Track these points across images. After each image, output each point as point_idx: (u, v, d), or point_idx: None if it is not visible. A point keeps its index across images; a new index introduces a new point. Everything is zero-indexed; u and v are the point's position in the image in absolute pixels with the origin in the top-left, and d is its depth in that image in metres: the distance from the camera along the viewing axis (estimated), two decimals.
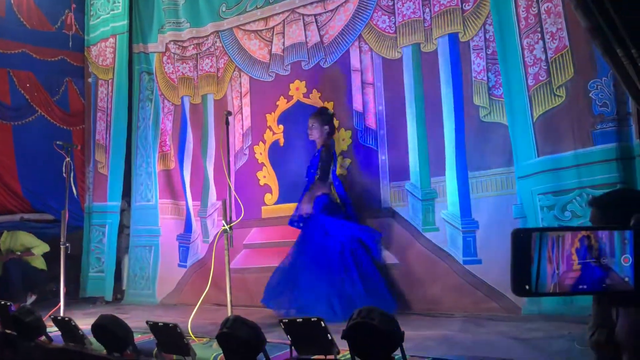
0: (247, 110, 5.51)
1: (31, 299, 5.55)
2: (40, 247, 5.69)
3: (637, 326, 0.77)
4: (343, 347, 2.63)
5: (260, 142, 5.37)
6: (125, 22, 6.22)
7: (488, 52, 4.20)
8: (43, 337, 3.71)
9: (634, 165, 3.34)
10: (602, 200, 1.40)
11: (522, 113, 3.85)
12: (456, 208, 4.29)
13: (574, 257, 0.69)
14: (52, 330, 3.77)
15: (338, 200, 4.44)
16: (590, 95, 3.56)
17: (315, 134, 4.47)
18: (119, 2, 6.28)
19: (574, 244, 0.69)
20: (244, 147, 5.48)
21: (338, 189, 4.45)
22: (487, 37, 4.21)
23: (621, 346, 0.83)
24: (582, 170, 3.54)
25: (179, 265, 5.73)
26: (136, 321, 3.70)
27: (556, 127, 3.69)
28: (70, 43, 6.47)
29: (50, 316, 3.82)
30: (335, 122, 4.74)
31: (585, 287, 0.69)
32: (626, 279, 0.69)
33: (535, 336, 3.17)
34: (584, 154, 3.55)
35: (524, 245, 0.69)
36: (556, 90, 3.71)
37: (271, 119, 5.32)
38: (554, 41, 3.73)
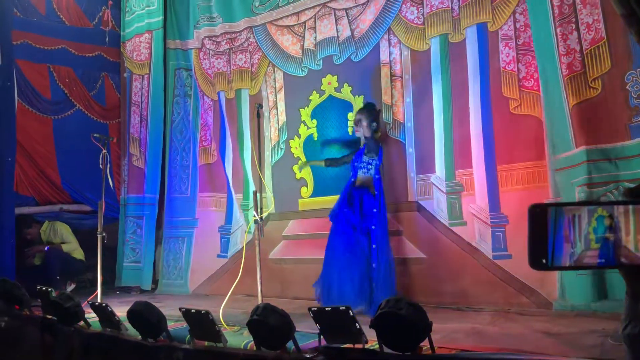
0: (281, 106, 5.58)
1: (70, 287, 5.75)
2: (77, 252, 5.88)
3: None
4: (372, 337, 2.66)
5: (295, 137, 5.43)
6: (161, 18, 6.35)
7: (518, 42, 4.15)
8: (81, 322, 3.84)
9: None
10: (636, 191, 1.40)
11: (559, 103, 3.79)
12: (484, 202, 4.26)
13: (592, 235, 0.71)
14: (90, 316, 3.90)
15: (375, 194, 4.41)
16: (626, 87, 3.49)
17: (363, 130, 4.42)
18: None
19: (590, 222, 0.71)
20: (280, 142, 5.55)
21: (377, 184, 4.39)
22: (518, 26, 4.16)
23: (632, 321, 0.84)
24: (619, 163, 3.48)
25: (219, 256, 5.84)
26: (170, 309, 3.81)
27: (592, 119, 3.63)
28: (107, 39, 6.64)
29: (88, 302, 3.95)
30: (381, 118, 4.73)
31: (602, 261, 0.70)
32: None
33: (566, 331, 3.13)
34: (622, 147, 3.49)
35: (541, 220, 0.71)
36: (591, 83, 3.64)
37: (305, 113, 5.37)
38: (590, 32, 3.66)
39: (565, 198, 3.79)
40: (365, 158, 4.33)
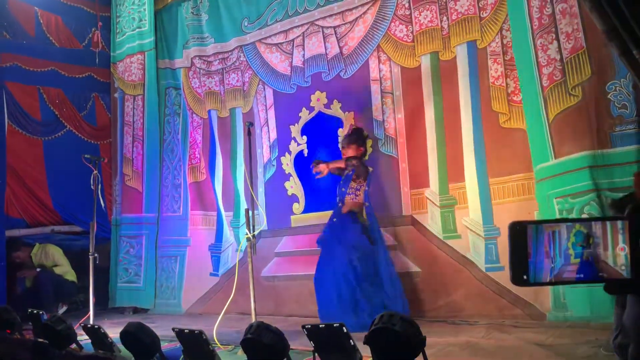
0: (272, 123, 5.61)
1: (62, 309, 5.69)
2: (69, 274, 5.84)
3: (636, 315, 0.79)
4: (366, 353, 2.65)
5: (287, 153, 5.46)
6: (152, 39, 6.38)
7: (506, 58, 4.21)
8: (74, 345, 3.80)
9: None
10: (623, 202, 1.42)
11: (537, 114, 3.85)
12: (478, 215, 4.29)
13: (570, 251, 0.73)
14: (83, 338, 3.87)
15: (366, 221, 4.39)
16: (608, 96, 3.54)
17: (350, 154, 4.45)
18: (144, 20, 6.45)
19: (569, 238, 0.72)
20: (272, 159, 5.56)
21: (369, 211, 4.41)
22: (505, 42, 4.23)
23: (627, 335, 0.85)
24: (599, 172, 3.51)
25: (211, 274, 5.82)
26: (163, 330, 3.78)
27: (572, 127, 3.68)
28: (97, 60, 6.66)
29: (80, 325, 3.92)
30: (368, 143, 4.77)
31: (582, 276, 0.72)
32: (622, 268, 0.72)
33: (560, 342, 3.14)
34: (602, 155, 3.52)
35: (521, 237, 0.73)
36: (571, 90, 3.69)
37: (295, 130, 5.40)
38: (570, 41, 3.72)
39: (543, 209, 3.82)
40: (353, 184, 4.35)
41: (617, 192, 3.34)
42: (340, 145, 4.65)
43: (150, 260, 6.18)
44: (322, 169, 4.52)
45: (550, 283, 0.73)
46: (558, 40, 3.79)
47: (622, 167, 3.41)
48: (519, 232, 0.73)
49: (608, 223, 0.72)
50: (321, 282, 4.26)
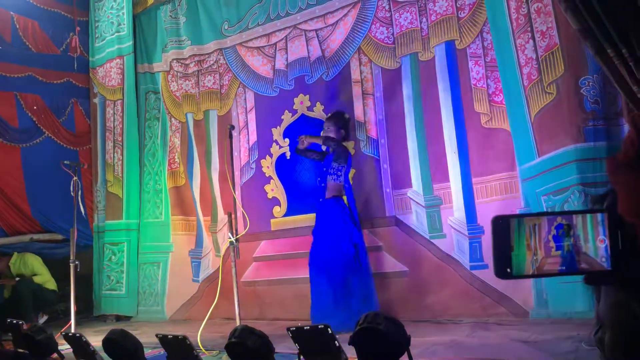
0: (252, 125, 5.58)
1: (43, 319, 5.60)
2: (50, 283, 5.74)
3: (616, 306, 0.80)
4: (352, 354, 2.65)
5: (267, 156, 5.43)
6: (131, 43, 6.33)
7: (487, 60, 4.25)
8: (55, 355, 3.73)
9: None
10: (604, 198, 1.44)
11: (521, 115, 3.89)
12: (462, 214, 4.32)
13: (552, 243, 0.73)
14: (64, 347, 3.80)
15: (347, 204, 4.40)
16: (581, 91, 3.58)
17: (331, 136, 4.45)
18: (123, 24, 6.39)
19: (550, 230, 0.73)
20: (250, 162, 5.54)
21: (348, 192, 4.42)
22: (485, 44, 4.26)
23: (601, 325, 0.86)
24: (574, 167, 3.56)
25: (193, 280, 5.78)
26: (146, 337, 3.73)
27: (549, 125, 3.73)
28: (75, 65, 6.58)
29: (61, 334, 3.85)
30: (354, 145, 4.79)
31: (564, 268, 0.73)
32: (602, 260, 0.72)
33: (542, 339, 3.18)
34: (575, 150, 3.56)
35: (504, 231, 0.73)
36: (547, 88, 3.74)
37: (277, 132, 5.38)
38: (544, 39, 3.77)
39: (532, 207, 3.86)
40: (334, 165, 4.33)
41: (591, 187, 3.39)
42: (322, 131, 4.61)
43: (133, 267, 6.11)
44: (302, 140, 4.51)
45: (532, 276, 0.73)
46: (534, 39, 3.84)
47: (595, 162, 3.45)
48: (502, 226, 0.74)
49: (588, 215, 0.73)
50: (315, 277, 4.23)
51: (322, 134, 4.50)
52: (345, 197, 4.38)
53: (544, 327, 3.46)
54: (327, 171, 4.35)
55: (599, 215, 0.73)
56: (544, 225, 0.73)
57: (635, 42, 2.07)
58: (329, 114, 4.63)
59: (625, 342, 0.83)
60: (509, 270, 0.74)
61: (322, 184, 4.37)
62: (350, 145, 4.82)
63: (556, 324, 3.50)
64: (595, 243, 0.73)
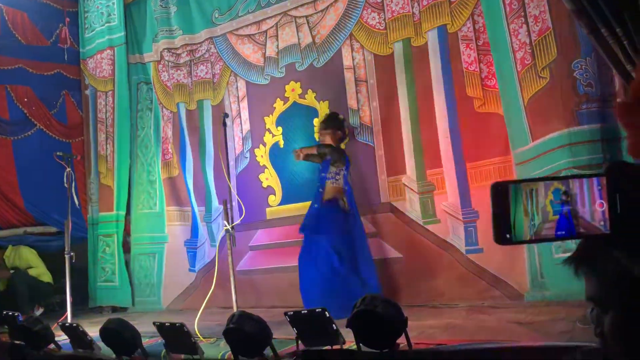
0: (245, 114, 5.56)
1: (38, 311, 5.58)
2: (45, 275, 5.72)
3: (614, 281, 0.79)
4: (349, 338, 2.67)
5: (261, 145, 5.42)
6: (123, 33, 6.28)
7: (479, 43, 4.24)
8: (52, 346, 3.74)
9: (619, 147, 3.35)
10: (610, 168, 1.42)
11: (515, 99, 3.89)
12: (456, 199, 4.33)
13: (549, 208, 0.73)
14: (61, 338, 3.80)
15: (347, 207, 4.37)
16: (574, 74, 3.58)
17: (328, 140, 4.44)
18: (114, 14, 6.34)
19: (547, 195, 0.73)
20: (245, 151, 5.53)
21: (348, 195, 4.39)
22: (477, 27, 4.25)
23: (596, 307, 0.85)
24: (567, 150, 3.56)
25: (189, 270, 5.78)
26: (143, 326, 3.73)
27: (543, 109, 3.73)
28: (66, 56, 6.52)
29: (58, 324, 3.85)
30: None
31: (561, 233, 0.73)
32: (600, 224, 0.72)
33: (538, 320, 3.20)
34: (568, 134, 3.57)
35: (502, 197, 0.73)
36: (540, 72, 3.74)
37: (269, 121, 5.36)
38: (537, 24, 3.76)
39: None
40: (332, 169, 4.33)
41: (584, 170, 3.40)
42: (316, 134, 4.63)
43: (122, 258, 6.11)
44: (297, 154, 4.51)
45: (531, 241, 0.73)
46: (527, 24, 3.83)
47: (589, 144, 3.46)
48: (501, 192, 0.73)
49: (585, 180, 0.73)
50: (304, 271, 4.25)
51: (317, 138, 4.49)
52: (345, 199, 4.35)
53: (539, 309, 3.49)
54: (326, 176, 4.34)
55: (596, 180, 0.73)
56: (541, 190, 0.73)
57: (629, 21, 2.07)
58: (323, 118, 4.62)
59: (630, 322, 0.82)
60: (508, 235, 0.74)
61: (320, 190, 4.35)
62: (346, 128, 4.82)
63: (551, 306, 3.53)
64: (592, 207, 0.73)
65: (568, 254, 0.80)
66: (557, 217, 0.73)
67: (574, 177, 0.73)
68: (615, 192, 0.72)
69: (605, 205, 0.72)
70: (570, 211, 0.73)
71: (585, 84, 3.52)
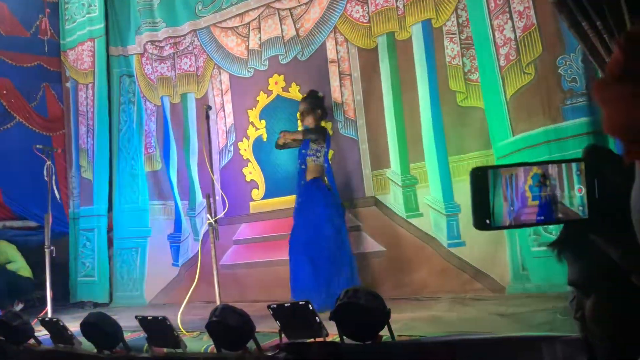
0: (229, 107, 5.53)
1: (18, 307, 5.50)
2: (24, 270, 5.63)
3: (593, 266, 0.80)
4: (333, 331, 2.67)
5: (244, 139, 5.39)
6: (102, 25, 6.20)
7: (462, 37, 4.26)
8: (31, 341, 3.69)
9: (605, 139, 3.39)
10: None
11: (496, 94, 3.91)
12: (439, 193, 4.35)
13: (528, 193, 0.73)
14: (41, 333, 3.76)
15: (329, 186, 4.38)
16: (559, 71, 3.62)
17: (308, 118, 4.42)
18: (94, 5, 6.26)
19: (526, 181, 0.73)
20: (228, 144, 5.50)
21: (328, 173, 4.41)
22: (460, 22, 4.27)
23: (578, 294, 0.86)
24: (553, 146, 3.59)
25: (173, 265, 5.74)
26: (126, 321, 3.70)
27: (527, 105, 3.75)
28: (46, 48, 6.42)
29: (38, 319, 3.80)
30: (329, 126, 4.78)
31: (541, 218, 0.73)
32: (579, 209, 0.73)
33: (519, 311, 3.23)
34: (555, 129, 3.60)
35: (482, 183, 0.73)
36: (525, 68, 3.76)
37: (253, 114, 5.34)
38: (522, 20, 3.79)
39: None
40: (313, 145, 4.32)
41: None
42: (298, 113, 4.58)
43: (103, 253, 6.04)
44: (283, 135, 4.51)
45: (510, 226, 0.73)
46: (512, 20, 3.85)
47: (574, 139, 3.49)
48: (480, 177, 0.73)
49: (564, 165, 0.73)
50: (295, 258, 4.23)
51: (297, 115, 4.48)
52: (326, 179, 4.37)
53: (521, 301, 3.52)
54: (307, 153, 4.33)
55: (575, 165, 0.73)
56: (520, 175, 0.74)
57: (609, 15, 2.09)
58: (304, 96, 4.60)
59: (610, 306, 0.83)
60: (487, 221, 0.74)
61: (303, 166, 4.35)
62: (328, 126, 4.81)
63: (532, 298, 3.56)
64: (571, 192, 0.73)
65: (544, 248, 0.81)
66: (536, 202, 0.73)
67: (552, 162, 0.73)
68: (593, 177, 0.72)
69: (583, 190, 0.73)
70: (549, 196, 0.73)
71: (570, 79, 3.55)
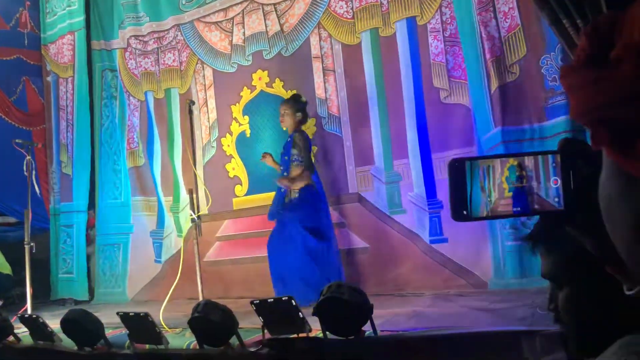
0: (212, 103, 5.50)
1: None
2: (3, 267, 5.54)
3: (572, 260, 0.81)
4: (316, 326, 2.67)
5: (227, 134, 5.37)
6: (82, 18, 6.11)
7: (446, 35, 4.28)
8: (11, 338, 3.64)
9: (584, 137, 3.43)
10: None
11: (479, 87, 3.95)
12: (422, 189, 4.37)
13: (504, 185, 0.74)
14: (20, 331, 3.71)
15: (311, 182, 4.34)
16: (542, 71, 3.67)
17: (288, 121, 4.39)
18: None
19: (503, 172, 0.73)
20: (211, 140, 5.46)
21: (315, 177, 4.36)
22: (444, 19, 4.29)
23: (555, 282, 0.87)
24: (535, 144, 3.64)
25: (156, 261, 5.70)
26: (107, 318, 3.67)
27: (512, 102, 3.80)
28: (26, 41, 6.32)
29: (17, 316, 3.75)
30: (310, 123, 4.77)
31: (517, 210, 0.73)
32: (555, 200, 0.73)
33: (500, 307, 3.26)
34: (539, 128, 3.65)
35: (459, 174, 0.73)
36: (510, 67, 3.81)
37: (236, 110, 5.31)
38: (507, 20, 3.83)
39: None
40: (294, 151, 4.30)
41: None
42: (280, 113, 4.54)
43: (82, 250, 5.97)
44: (264, 157, 4.49)
45: (487, 217, 0.74)
46: (496, 19, 3.89)
47: (554, 138, 3.54)
48: (458, 168, 0.74)
49: (540, 157, 0.74)
50: (274, 258, 4.22)
51: (280, 117, 4.46)
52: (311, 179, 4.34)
53: (502, 297, 3.56)
54: (290, 159, 4.31)
55: (551, 157, 0.74)
56: (497, 167, 0.74)
57: (590, 12, 2.12)
58: (285, 99, 4.54)
59: (582, 296, 0.85)
60: (465, 212, 0.74)
61: (285, 173, 4.33)
62: (310, 122, 4.81)
63: (513, 293, 3.60)
64: (547, 184, 0.74)
65: (518, 243, 0.82)
66: (512, 193, 0.74)
67: (529, 154, 0.74)
68: (569, 169, 0.73)
69: (559, 181, 0.73)
70: (525, 188, 0.74)
71: (551, 79, 3.60)
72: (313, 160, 4.45)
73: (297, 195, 4.25)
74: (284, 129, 4.51)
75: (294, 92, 4.84)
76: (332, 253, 4.19)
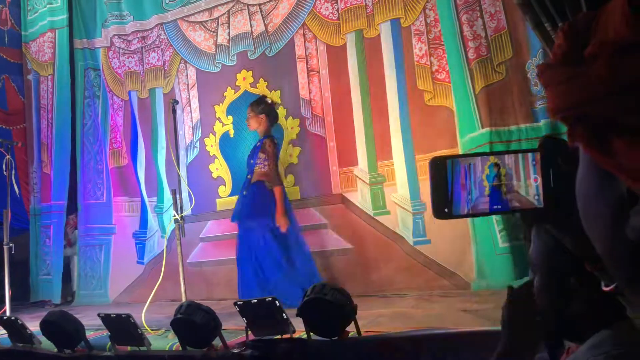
0: (195, 103, 5.46)
1: None
2: None
3: (546, 247, 0.83)
4: (300, 327, 2.67)
5: (211, 134, 5.34)
6: (65, 16, 6.03)
7: (430, 37, 4.31)
8: None
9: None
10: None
11: (463, 87, 3.97)
12: (406, 190, 4.39)
13: (485, 183, 0.74)
14: None
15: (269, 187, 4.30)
16: (528, 75, 3.71)
17: (253, 124, 4.38)
18: None
19: (484, 170, 0.74)
20: (195, 140, 5.43)
21: (276, 177, 4.33)
22: (428, 21, 4.32)
23: (532, 269, 0.89)
24: (523, 145, 3.68)
25: (138, 262, 5.64)
26: (88, 319, 3.62)
27: (498, 102, 3.83)
28: (6, 39, 6.22)
29: None
30: (283, 111, 4.75)
31: (497, 207, 0.74)
32: (535, 198, 0.74)
33: (483, 307, 3.28)
34: (526, 129, 3.69)
35: (441, 172, 0.74)
36: (496, 67, 3.84)
37: (220, 110, 5.29)
38: (493, 21, 3.86)
39: None
40: (261, 155, 4.28)
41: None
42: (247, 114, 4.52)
43: (59, 251, 5.88)
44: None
45: (468, 215, 0.74)
46: (483, 19, 3.92)
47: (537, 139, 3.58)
48: (439, 166, 0.74)
49: (520, 155, 0.74)
50: (241, 262, 4.22)
51: (246, 120, 4.46)
52: (269, 182, 4.28)
53: (485, 297, 3.58)
54: (255, 162, 4.29)
55: (531, 155, 0.74)
56: (477, 165, 0.75)
57: (571, 15, 2.14)
58: (252, 101, 4.51)
59: (554, 284, 0.87)
60: (446, 210, 0.74)
61: (249, 176, 4.31)
62: (294, 123, 4.80)
63: (496, 294, 3.62)
64: (527, 182, 0.75)
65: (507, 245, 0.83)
66: (490, 191, 0.75)
67: (509, 152, 0.74)
68: (548, 167, 0.74)
69: (539, 180, 0.74)
70: (505, 186, 0.74)
71: (534, 82, 3.64)
72: (296, 158, 4.45)
73: (253, 192, 4.24)
74: (250, 130, 4.51)
75: (279, 95, 4.86)
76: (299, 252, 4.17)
